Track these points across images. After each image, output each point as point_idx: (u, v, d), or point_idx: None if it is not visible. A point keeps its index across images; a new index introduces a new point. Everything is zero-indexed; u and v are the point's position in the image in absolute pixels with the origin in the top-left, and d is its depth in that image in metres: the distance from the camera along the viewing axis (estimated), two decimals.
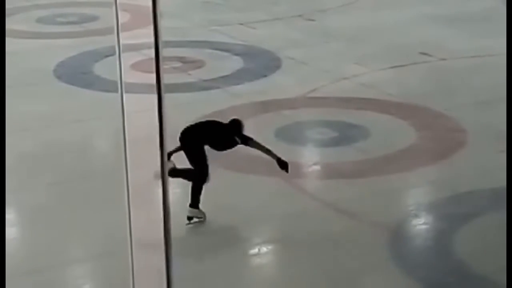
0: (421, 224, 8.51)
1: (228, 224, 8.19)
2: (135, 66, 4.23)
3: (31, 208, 8.73)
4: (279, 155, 8.23)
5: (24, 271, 7.42)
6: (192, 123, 8.47)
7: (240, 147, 8.32)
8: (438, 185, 9.24)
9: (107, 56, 13.29)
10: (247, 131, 8.45)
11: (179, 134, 8.13)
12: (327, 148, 10.31)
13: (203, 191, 8.02)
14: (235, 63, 13.80)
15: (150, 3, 3.36)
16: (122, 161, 3.77)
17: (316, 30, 16.00)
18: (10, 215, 8.71)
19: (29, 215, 8.64)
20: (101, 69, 13.22)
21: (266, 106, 11.62)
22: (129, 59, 3.84)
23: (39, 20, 16.94)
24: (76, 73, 13.33)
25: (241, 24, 16.40)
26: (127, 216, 3.81)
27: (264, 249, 7.99)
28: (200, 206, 8.09)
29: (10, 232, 8.32)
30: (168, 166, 7.74)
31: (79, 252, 7.79)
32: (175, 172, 7.89)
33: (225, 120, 8.42)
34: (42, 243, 7.93)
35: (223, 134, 8.16)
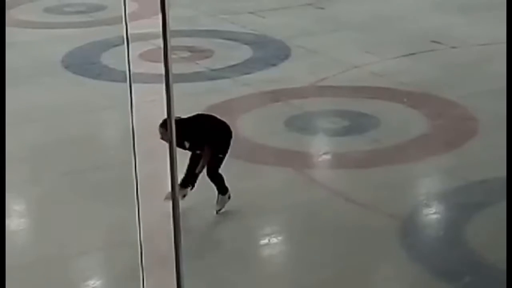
0: (432, 213, 8.46)
1: (238, 214, 8.13)
2: (144, 56, 4.16)
3: (40, 199, 8.70)
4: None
5: (33, 261, 7.39)
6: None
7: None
8: (449, 174, 9.17)
9: (115, 45, 13.24)
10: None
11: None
12: (338, 137, 10.24)
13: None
14: (244, 52, 13.73)
15: None
16: (131, 151, 3.72)
17: (326, 19, 15.92)
18: (19, 206, 8.70)
19: (38, 206, 8.61)
20: (109, 59, 13.18)
21: (276, 96, 11.55)
22: (137, 48, 3.78)
23: (47, 10, 16.91)
24: (84, 63, 13.29)
25: (251, 13, 16.32)
26: (136, 206, 3.77)
27: (274, 239, 7.93)
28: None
29: (20, 223, 8.30)
30: None
31: (88, 243, 7.75)
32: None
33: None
34: (51, 234, 7.89)
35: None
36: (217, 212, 8.08)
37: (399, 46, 13.86)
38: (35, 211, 8.61)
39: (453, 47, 13.84)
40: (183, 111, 10.04)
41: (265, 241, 7.87)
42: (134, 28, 3.69)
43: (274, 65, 13.11)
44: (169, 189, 3.65)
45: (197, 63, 13.19)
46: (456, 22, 15.20)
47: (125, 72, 3.72)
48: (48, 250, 7.59)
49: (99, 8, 16.68)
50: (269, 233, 8.03)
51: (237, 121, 10.53)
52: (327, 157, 9.89)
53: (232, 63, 13.16)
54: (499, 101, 10.57)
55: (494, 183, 8.66)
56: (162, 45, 3.41)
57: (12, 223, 8.16)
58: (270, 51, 13.84)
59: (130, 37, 3.74)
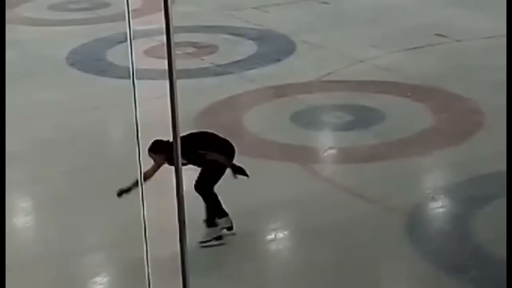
0: (438, 207, 8.44)
1: (244, 210, 8.12)
2: (148, 52, 4.15)
3: (46, 196, 8.71)
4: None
5: (39, 259, 7.40)
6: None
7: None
8: (455, 168, 9.15)
9: (120, 42, 13.24)
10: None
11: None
12: (343, 132, 10.23)
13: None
14: (248, 48, 13.72)
15: None
16: (135, 148, 3.72)
17: (331, 13, 15.90)
18: (25, 204, 8.71)
19: (44, 203, 8.62)
20: (114, 55, 13.17)
21: (281, 91, 11.54)
22: (142, 45, 3.78)
23: (51, 7, 16.91)
24: (89, 60, 13.29)
25: (255, 8, 16.30)
26: (141, 204, 3.77)
27: (280, 234, 7.93)
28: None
29: (26, 220, 8.32)
30: None
31: (94, 241, 7.76)
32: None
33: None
34: (57, 231, 7.91)
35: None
36: (200, 243, 7.40)
37: (403, 40, 13.83)
38: (39, 208, 8.62)
39: (458, 40, 13.81)
40: (189, 106, 10.08)
41: (271, 236, 7.87)
42: (139, 24, 3.70)
43: (279, 60, 13.10)
44: (174, 185, 3.65)
45: (202, 59, 13.19)
46: (461, 15, 15.16)
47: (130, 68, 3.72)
48: (55, 247, 7.60)
49: (104, 4, 16.67)
50: (275, 228, 8.03)
51: (243, 117, 10.53)
52: (333, 151, 9.88)
53: (237, 58, 13.16)
54: (505, 95, 10.55)
55: (500, 177, 8.63)
56: (165, 42, 3.41)
57: (19, 220, 8.18)
58: (274, 46, 13.83)
59: (135, 34, 3.73)
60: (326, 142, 10.21)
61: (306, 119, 10.54)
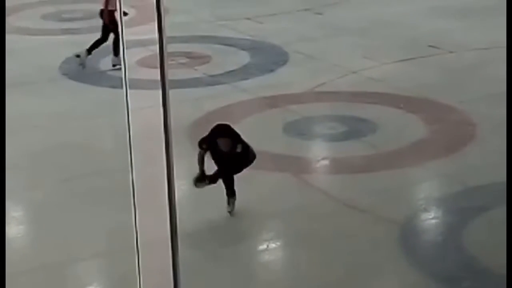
0: (431, 218, 8.45)
1: (236, 219, 8.13)
2: (141, 62, 4.16)
3: (38, 206, 8.69)
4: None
5: (31, 268, 7.39)
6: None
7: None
8: (448, 179, 9.17)
9: None
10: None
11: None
12: (336, 142, 10.24)
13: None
14: (242, 58, 13.74)
15: None
16: (128, 158, 3.72)
17: (324, 24, 15.93)
18: (17, 213, 8.68)
19: (36, 213, 8.60)
20: (107, 65, 13.18)
21: (274, 101, 11.56)
22: (135, 55, 3.78)
23: (44, 17, 16.91)
24: (82, 70, 13.26)
25: (248, 18, 16.33)
26: (133, 213, 3.76)
27: (272, 245, 7.93)
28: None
29: (18, 230, 8.29)
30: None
31: (86, 250, 7.74)
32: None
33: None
34: (49, 241, 7.89)
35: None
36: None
37: (396, 51, 13.87)
38: (34, 217, 8.60)
39: (451, 52, 13.85)
40: (181, 117, 10.09)
41: (264, 246, 7.86)
42: (132, 34, 3.69)
43: (272, 70, 13.11)
44: (166, 194, 3.64)
45: (195, 69, 13.20)
46: (453, 27, 15.22)
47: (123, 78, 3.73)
48: (47, 256, 7.58)
49: (97, 14, 16.65)
50: (268, 238, 8.03)
51: (235, 127, 10.51)
52: (325, 162, 9.89)
53: (230, 68, 13.17)
54: (497, 106, 10.59)
55: (492, 188, 8.65)
56: (158, 51, 3.41)
57: (11, 230, 8.16)
58: (268, 57, 13.85)
59: (128, 43, 3.74)
60: (319, 152, 10.22)
61: (299, 129, 10.55)
